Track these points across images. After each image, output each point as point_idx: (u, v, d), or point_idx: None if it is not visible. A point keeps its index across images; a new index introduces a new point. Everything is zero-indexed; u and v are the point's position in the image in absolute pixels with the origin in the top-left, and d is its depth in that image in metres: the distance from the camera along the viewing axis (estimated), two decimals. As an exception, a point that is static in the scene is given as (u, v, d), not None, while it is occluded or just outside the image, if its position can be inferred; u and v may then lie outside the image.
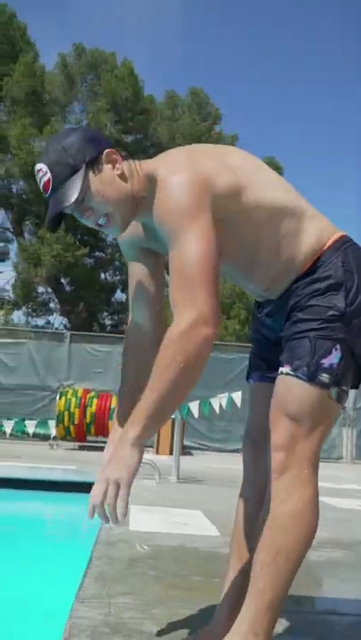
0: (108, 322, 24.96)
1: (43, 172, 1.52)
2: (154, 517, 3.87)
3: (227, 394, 8.20)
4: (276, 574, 1.42)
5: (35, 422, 11.75)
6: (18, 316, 24.83)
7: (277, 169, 26.53)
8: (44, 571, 3.63)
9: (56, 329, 22.00)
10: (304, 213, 1.58)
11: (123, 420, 1.64)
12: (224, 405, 8.11)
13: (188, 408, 10.34)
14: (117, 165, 1.54)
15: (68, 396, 10.91)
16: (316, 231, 1.57)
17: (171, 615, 1.89)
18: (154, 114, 24.25)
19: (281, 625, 1.78)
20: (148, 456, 8.67)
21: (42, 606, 2.82)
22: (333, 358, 1.48)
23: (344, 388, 1.52)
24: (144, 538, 3.15)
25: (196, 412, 10.72)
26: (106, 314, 24.77)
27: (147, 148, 25.43)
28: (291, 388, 1.49)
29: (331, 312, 1.50)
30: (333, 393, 1.49)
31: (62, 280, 22.41)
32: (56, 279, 21.88)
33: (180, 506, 4.53)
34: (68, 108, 24.23)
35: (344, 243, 1.57)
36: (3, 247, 25.50)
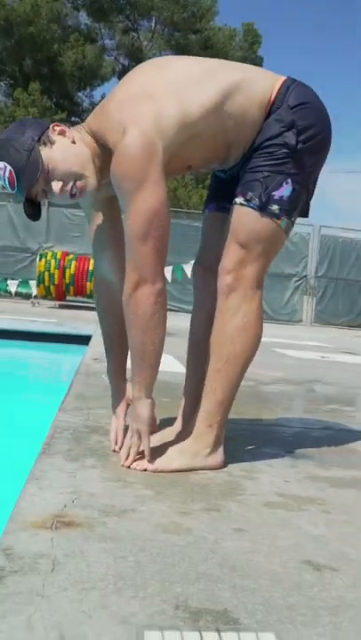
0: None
1: (2, 169, 1.49)
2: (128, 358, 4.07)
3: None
4: (225, 377, 1.59)
5: (16, 282, 11.84)
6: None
7: (255, 36, 24.81)
8: (30, 404, 3.86)
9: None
10: (243, 81, 1.57)
11: (117, 375, 1.82)
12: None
13: (182, 269, 10.45)
14: (67, 134, 1.52)
15: (48, 258, 10.91)
16: (260, 89, 1.58)
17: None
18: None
19: (233, 432, 1.98)
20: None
21: (29, 423, 3.05)
22: (284, 191, 1.56)
23: (292, 219, 1.62)
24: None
25: (169, 278, 10.85)
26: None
27: (123, 7, 23.45)
28: (243, 216, 1.58)
29: (283, 149, 1.56)
30: (283, 224, 1.58)
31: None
32: (33, 144, 20.92)
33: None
34: None
35: (288, 87, 1.60)
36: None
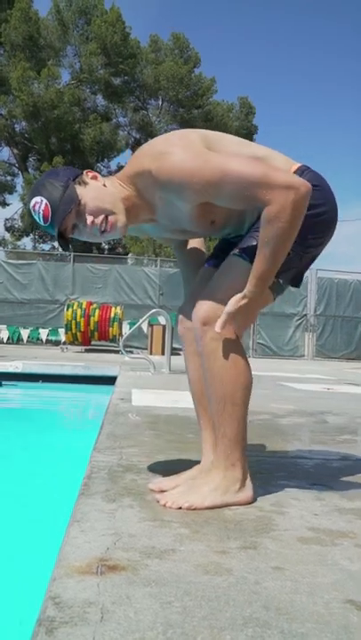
0: (105, 246, 24.64)
1: (38, 202, 1.46)
2: (151, 397, 3.99)
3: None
4: (230, 417, 1.47)
5: (47, 330, 11.87)
6: (26, 242, 24.42)
7: (250, 107, 25.49)
8: (61, 439, 3.76)
9: (61, 254, 21.74)
10: (266, 157, 1.52)
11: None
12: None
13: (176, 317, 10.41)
14: (99, 179, 1.51)
15: (74, 308, 10.95)
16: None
17: (170, 459, 1.99)
18: (139, 57, 22.90)
19: (258, 466, 1.88)
20: (143, 356, 8.79)
21: (64, 460, 2.95)
22: None
23: (281, 281, 1.52)
24: (144, 410, 3.26)
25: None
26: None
27: (134, 89, 24.23)
28: (232, 264, 1.50)
29: None
30: None
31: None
32: (59, 209, 21.35)
33: (173, 389, 4.66)
34: (63, 51, 22.77)
35: (303, 171, 1.55)
36: (9, 181, 24.62)
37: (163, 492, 1.53)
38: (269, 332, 13.13)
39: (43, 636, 0.80)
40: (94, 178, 1.51)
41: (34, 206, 1.47)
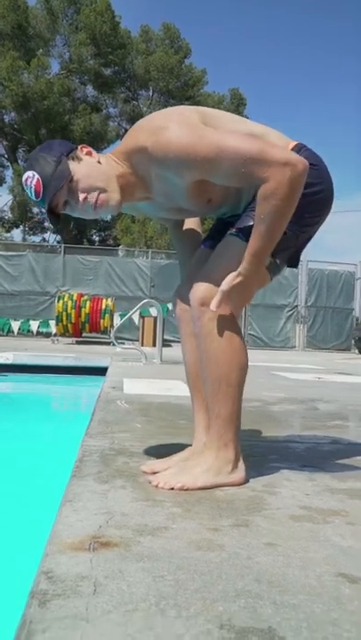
0: (95, 237, 24.56)
1: (30, 177, 1.44)
2: (142, 385, 3.98)
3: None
4: (224, 398, 1.47)
5: (38, 322, 11.82)
6: (16, 234, 24.25)
7: (241, 99, 25.41)
8: (53, 428, 3.76)
9: (51, 246, 21.61)
10: (264, 135, 1.52)
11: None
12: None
13: (167, 307, 10.43)
14: (94, 155, 1.48)
15: (65, 300, 10.91)
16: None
17: (162, 443, 1.99)
18: (130, 47, 22.71)
19: (250, 450, 1.89)
20: (134, 347, 8.78)
21: (56, 447, 2.95)
22: None
23: (278, 261, 1.51)
24: (136, 398, 3.26)
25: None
26: (94, 231, 24.32)
27: (124, 80, 24.04)
28: (228, 244, 1.49)
29: None
30: (267, 261, 1.47)
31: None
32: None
33: (164, 379, 4.66)
34: (52, 41, 22.52)
35: (299, 150, 1.55)
36: (-1, 172, 24.39)
37: (155, 473, 1.53)
38: (261, 324, 13.16)
39: (35, 608, 0.80)
40: (89, 154, 1.48)
41: (26, 180, 1.46)
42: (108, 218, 22.68)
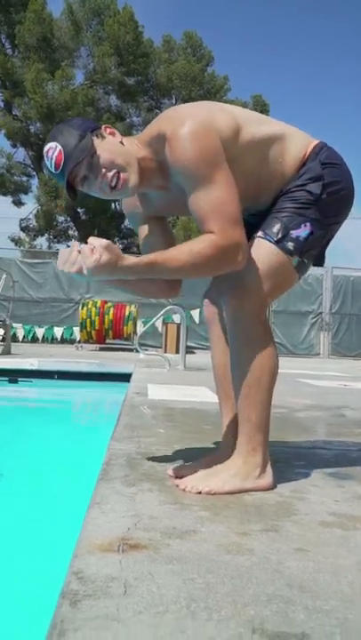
0: (119, 245, 24.72)
1: (52, 148, 1.43)
2: (167, 391, 3.99)
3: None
4: (254, 403, 1.47)
5: (62, 329, 11.94)
6: (41, 242, 24.58)
7: (264, 105, 25.40)
8: (78, 433, 3.78)
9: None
10: (285, 134, 1.56)
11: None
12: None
13: (190, 315, 10.44)
14: (117, 135, 1.49)
15: (89, 307, 10.99)
16: (297, 145, 1.57)
17: (188, 448, 1.99)
18: (152, 57, 22.93)
19: (276, 456, 1.86)
20: (157, 353, 8.78)
21: (82, 452, 2.96)
22: (302, 232, 1.50)
23: (305, 260, 1.53)
24: (160, 404, 3.26)
25: (197, 319, 10.81)
26: (117, 238, 24.49)
27: (147, 89, 24.24)
28: (257, 247, 1.50)
29: (307, 196, 1.51)
30: (295, 261, 1.50)
31: (79, 210, 22.03)
32: (73, 209, 21.50)
33: (188, 384, 4.66)
34: (76, 52, 22.85)
35: (321, 148, 1.58)
36: (25, 182, 24.79)
37: (182, 477, 1.52)
38: (284, 331, 13.05)
39: (67, 608, 0.80)
40: (112, 134, 1.48)
41: (47, 151, 1.44)
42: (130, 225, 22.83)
